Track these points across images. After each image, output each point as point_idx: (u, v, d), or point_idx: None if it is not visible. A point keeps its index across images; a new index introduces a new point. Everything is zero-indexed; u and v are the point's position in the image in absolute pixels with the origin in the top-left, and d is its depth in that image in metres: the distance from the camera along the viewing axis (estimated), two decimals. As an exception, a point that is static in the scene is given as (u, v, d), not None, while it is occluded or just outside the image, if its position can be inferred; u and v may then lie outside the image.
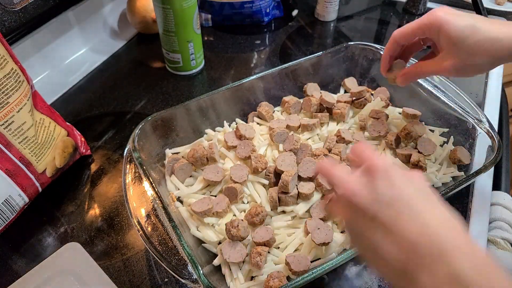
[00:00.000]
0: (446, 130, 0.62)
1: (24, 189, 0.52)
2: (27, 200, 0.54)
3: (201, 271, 0.41)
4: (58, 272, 0.49)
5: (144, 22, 0.86)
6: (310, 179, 0.54)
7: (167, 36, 0.74)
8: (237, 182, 0.53)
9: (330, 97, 0.66)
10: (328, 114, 0.65)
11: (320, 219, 0.50)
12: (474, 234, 0.54)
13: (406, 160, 0.57)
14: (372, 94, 0.69)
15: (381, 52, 0.69)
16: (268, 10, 0.94)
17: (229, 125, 0.65)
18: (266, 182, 0.54)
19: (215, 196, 0.54)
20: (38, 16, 0.74)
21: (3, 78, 0.47)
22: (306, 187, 0.52)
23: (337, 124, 0.65)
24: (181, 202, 0.55)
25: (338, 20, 0.97)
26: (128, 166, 0.52)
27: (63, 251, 0.51)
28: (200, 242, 0.51)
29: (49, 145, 0.55)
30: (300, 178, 0.54)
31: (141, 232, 0.45)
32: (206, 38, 0.91)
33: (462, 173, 0.57)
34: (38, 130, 0.53)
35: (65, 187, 0.60)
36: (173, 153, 0.60)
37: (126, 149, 0.53)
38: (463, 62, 0.48)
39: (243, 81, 0.64)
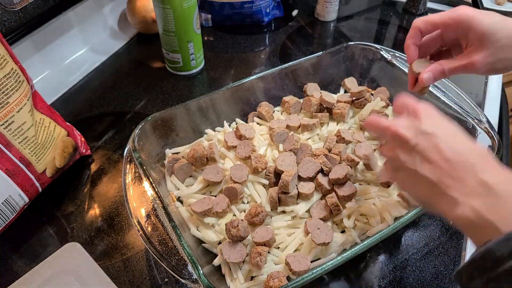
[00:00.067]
0: (446, 130, 0.62)
1: (24, 189, 0.52)
2: (27, 200, 0.54)
3: (201, 271, 0.41)
4: (58, 272, 0.49)
5: (144, 22, 0.86)
6: (310, 179, 0.54)
7: (167, 36, 0.74)
8: (237, 182, 0.53)
9: (330, 97, 0.66)
10: (328, 114, 0.65)
11: (320, 219, 0.50)
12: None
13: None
14: (372, 94, 0.69)
15: (381, 52, 0.69)
16: (268, 10, 0.94)
17: (229, 125, 0.65)
18: (266, 182, 0.54)
19: (215, 196, 0.54)
20: (38, 16, 0.74)
21: (3, 78, 0.47)
22: (306, 187, 0.52)
23: (337, 124, 0.65)
24: (181, 202, 0.55)
25: (338, 20, 0.97)
26: (128, 166, 0.52)
27: (63, 251, 0.51)
28: (200, 242, 0.51)
29: (49, 145, 0.55)
30: (300, 178, 0.54)
31: (141, 232, 0.45)
32: (206, 38, 0.92)
33: (462, 173, 0.57)
34: (38, 130, 0.53)
35: (65, 187, 0.60)
36: (173, 153, 0.60)
37: (126, 149, 0.53)
38: (494, 57, 0.46)
39: (243, 81, 0.64)
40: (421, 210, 0.48)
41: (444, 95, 0.61)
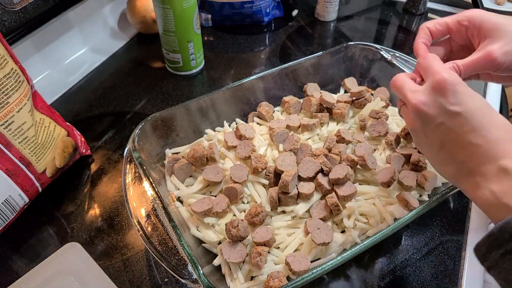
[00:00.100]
0: (446, 130, 0.62)
1: (24, 189, 0.52)
2: (27, 200, 0.54)
3: (201, 271, 0.41)
4: (58, 272, 0.49)
5: (144, 22, 0.86)
6: (310, 179, 0.54)
7: (167, 36, 0.74)
8: (237, 182, 0.53)
9: (330, 97, 0.66)
10: (328, 114, 0.65)
11: (320, 219, 0.50)
12: (474, 234, 0.54)
13: (406, 160, 0.57)
14: (372, 94, 0.69)
15: (381, 52, 0.69)
16: (268, 10, 0.94)
17: (229, 125, 0.65)
18: (266, 182, 0.54)
19: (215, 196, 0.54)
20: (38, 16, 0.74)
21: (3, 78, 0.47)
22: (306, 187, 0.52)
23: (337, 124, 0.65)
24: (181, 202, 0.55)
25: (338, 20, 0.97)
26: (128, 166, 0.52)
27: (63, 251, 0.51)
28: (200, 242, 0.51)
29: (49, 145, 0.55)
30: (300, 178, 0.54)
31: (141, 232, 0.45)
32: (206, 38, 0.92)
33: (462, 173, 0.57)
34: (38, 130, 0.53)
35: (65, 187, 0.60)
36: (173, 153, 0.60)
37: (126, 149, 0.53)
38: (510, 44, 0.41)
39: (243, 81, 0.64)
40: (421, 210, 0.48)
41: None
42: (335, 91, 0.73)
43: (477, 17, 0.44)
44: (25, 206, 0.55)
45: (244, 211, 0.53)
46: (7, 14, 0.68)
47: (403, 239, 0.54)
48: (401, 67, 0.66)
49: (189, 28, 0.72)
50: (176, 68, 0.79)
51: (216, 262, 0.48)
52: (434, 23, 0.46)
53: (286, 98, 0.67)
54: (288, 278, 0.46)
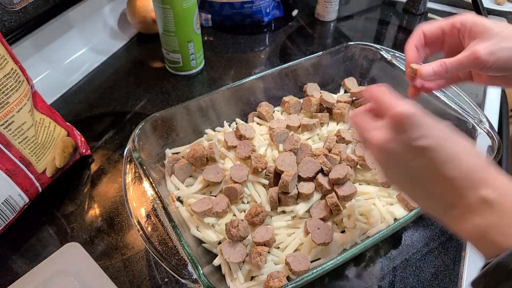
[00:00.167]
0: (446, 130, 0.62)
1: (24, 189, 0.52)
2: (27, 200, 0.54)
3: (201, 271, 0.41)
4: (58, 272, 0.49)
5: (144, 22, 0.86)
6: (310, 179, 0.54)
7: (167, 36, 0.74)
8: (237, 182, 0.53)
9: (330, 97, 0.66)
10: (328, 114, 0.65)
11: (320, 219, 0.50)
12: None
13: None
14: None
15: (381, 52, 0.69)
16: (268, 10, 0.94)
17: (229, 125, 0.65)
18: (266, 182, 0.54)
19: (215, 196, 0.54)
20: (38, 16, 0.74)
21: (3, 78, 0.47)
22: (306, 187, 0.52)
23: (337, 124, 0.65)
24: (181, 202, 0.55)
25: (338, 20, 0.97)
26: (128, 166, 0.52)
27: (63, 251, 0.51)
28: (200, 242, 0.51)
29: (49, 145, 0.55)
30: (300, 178, 0.54)
31: (141, 232, 0.45)
32: (206, 38, 0.91)
33: (462, 173, 0.57)
34: (38, 130, 0.53)
35: (65, 187, 0.60)
36: (173, 153, 0.60)
37: (126, 149, 0.53)
38: (497, 45, 0.43)
39: (243, 81, 0.64)
40: (421, 210, 0.48)
41: (444, 95, 0.61)
42: (335, 91, 0.73)
43: (469, 20, 0.45)
44: (25, 206, 0.55)
45: (244, 211, 0.53)
46: (7, 14, 0.68)
47: (403, 239, 0.54)
48: (401, 67, 0.66)
49: (189, 28, 0.72)
50: (176, 68, 0.79)
51: (216, 262, 0.48)
52: (430, 27, 0.47)
53: (286, 98, 0.67)
54: (288, 278, 0.46)
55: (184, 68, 0.79)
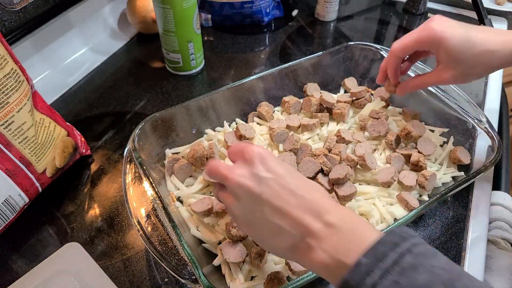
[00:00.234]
0: (446, 130, 0.62)
1: (24, 189, 0.52)
2: (27, 200, 0.54)
3: (201, 271, 0.41)
4: (58, 272, 0.49)
5: (144, 22, 0.86)
6: (310, 179, 0.54)
7: (167, 36, 0.74)
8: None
9: (330, 97, 0.66)
10: (328, 114, 0.65)
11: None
12: (474, 234, 0.54)
13: (406, 160, 0.57)
14: (372, 94, 0.69)
15: (381, 52, 0.69)
16: (268, 10, 0.94)
17: (229, 125, 0.65)
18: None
19: (215, 196, 0.54)
20: (38, 16, 0.74)
21: (3, 78, 0.47)
22: (306, 187, 0.52)
23: (337, 124, 0.65)
24: (181, 202, 0.55)
25: (338, 20, 0.97)
26: (128, 166, 0.52)
27: (63, 251, 0.51)
28: (200, 242, 0.51)
29: (49, 145, 0.55)
30: (300, 178, 0.54)
31: (141, 232, 0.45)
32: (206, 38, 0.92)
33: (462, 173, 0.57)
34: (38, 130, 0.53)
35: (65, 187, 0.60)
36: (173, 153, 0.60)
37: (126, 149, 0.53)
38: (462, 74, 0.51)
39: (243, 81, 0.64)
40: (421, 210, 0.48)
41: (444, 95, 0.61)
42: (335, 91, 0.73)
43: (436, 43, 0.50)
44: (25, 206, 0.55)
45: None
46: (7, 14, 0.68)
47: (403, 239, 0.54)
48: (401, 67, 0.66)
49: (189, 28, 0.72)
50: (176, 68, 0.79)
51: (216, 262, 0.48)
52: (399, 48, 0.54)
53: (286, 98, 0.67)
54: (288, 278, 0.46)
55: (184, 68, 0.79)
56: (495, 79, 0.78)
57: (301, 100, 0.67)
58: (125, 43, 0.90)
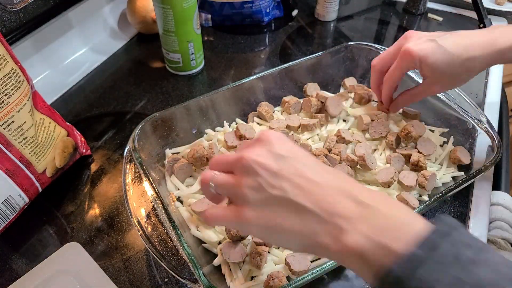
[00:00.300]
0: (446, 130, 0.62)
1: (24, 189, 0.52)
2: (27, 200, 0.54)
3: (201, 271, 0.41)
4: (58, 272, 0.49)
5: (144, 22, 0.86)
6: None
7: (167, 36, 0.74)
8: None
9: (326, 94, 0.66)
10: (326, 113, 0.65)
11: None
12: (474, 234, 0.54)
13: (406, 160, 0.57)
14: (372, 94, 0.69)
15: (382, 52, 0.69)
16: (268, 10, 0.94)
17: (229, 125, 0.65)
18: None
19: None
20: (38, 16, 0.74)
21: (3, 78, 0.47)
22: (306, 187, 0.52)
23: (336, 124, 0.65)
24: (181, 202, 0.55)
25: (338, 20, 0.97)
26: (128, 166, 0.52)
27: (63, 251, 0.51)
28: (200, 242, 0.51)
29: (49, 145, 0.55)
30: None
31: (141, 232, 0.45)
32: (206, 38, 0.92)
33: (462, 173, 0.57)
34: (38, 130, 0.53)
35: (65, 187, 0.60)
36: (173, 153, 0.60)
37: (126, 149, 0.53)
38: (450, 84, 0.54)
39: (243, 81, 0.64)
40: (421, 210, 0.48)
41: (444, 95, 0.61)
42: (335, 91, 0.73)
43: (415, 65, 0.51)
44: (25, 206, 0.55)
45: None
46: (7, 14, 0.68)
47: (403, 239, 0.54)
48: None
49: (189, 28, 0.72)
50: (176, 68, 0.79)
51: (216, 262, 0.48)
52: (381, 66, 0.57)
53: (286, 98, 0.67)
54: (288, 278, 0.46)
55: (184, 68, 0.79)
56: (495, 79, 0.78)
57: (301, 100, 0.67)
58: (125, 43, 0.90)
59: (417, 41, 0.51)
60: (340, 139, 0.59)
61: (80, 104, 0.75)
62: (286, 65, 0.67)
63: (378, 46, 0.69)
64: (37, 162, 0.53)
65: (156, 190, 0.48)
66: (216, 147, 0.58)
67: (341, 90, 0.72)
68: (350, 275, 0.50)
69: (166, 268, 0.42)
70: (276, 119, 0.63)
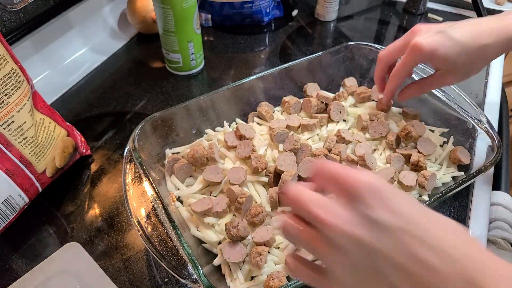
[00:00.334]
0: (446, 130, 0.62)
1: (24, 189, 0.52)
2: (27, 200, 0.54)
3: (201, 271, 0.41)
4: (58, 272, 0.49)
5: (144, 22, 0.86)
6: (310, 179, 0.54)
7: (167, 36, 0.74)
8: (236, 184, 0.52)
9: (327, 94, 0.66)
10: (327, 116, 0.65)
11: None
12: (474, 234, 0.54)
13: (406, 160, 0.57)
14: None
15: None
16: (268, 10, 0.94)
17: (229, 125, 0.65)
18: (266, 179, 0.54)
19: (215, 196, 0.54)
20: (38, 16, 0.74)
21: (3, 78, 0.47)
22: (306, 187, 0.52)
23: (336, 124, 0.65)
24: (181, 202, 0.55)
25: (338, 20, 0.97)
26: (128, 166, 0.52)
27: (63, 251, 0.51)
28: (200, 242, 0.51)
29: (49, 145, 0.55)
30: (300, 178, 0.54)
31: (141, 232, 0.45)
32: (206, 38, 0.91)
33: (462, 173, 0.57)
34: (38, 130, 0.53)
35: (65, 187, 0.60)
36: (173, 153, 0.60)
37: (126, 149, 0.53)
38: (465, 73, 0.52)
39: (243, 81, 0.64)
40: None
41: (444, 95, 0.61)
42: (335, 91, 0.73)
43: (425, 59, 0.50)
44: (25, 206, 0.55)
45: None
46: (7, 14, 0.68)
47: (403, 239, 0.54)
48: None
49: (189, 28, 0.72)
50: (176, 68, 0.79)
51: (216, 262, 0.48)
52: (389, 58, 0.56)
53: (286, 98, 0.67)
54: (288, 278, 0.46)
55: (184, 68, 0.79)
56: (495, 79, 0.78)
57: (301, 100, 0.67)
58: (125, 43, 0.90)
59: (425, 35, 0.50)
60: (340, 139, 0.59)
61: (80, 104, 0.75)
62: (286, 65, 0.67)
63: (378, 46, 0.69)
64: (37, 162, 0.53)
65: (156, 190, 0.48)
66: (216, 147, 0.58)
67: (341, 90, 0.72)
68: (350, 275, 0.50)
69: (166, 268, 0.42)
70: (276, 119, 0.63)
